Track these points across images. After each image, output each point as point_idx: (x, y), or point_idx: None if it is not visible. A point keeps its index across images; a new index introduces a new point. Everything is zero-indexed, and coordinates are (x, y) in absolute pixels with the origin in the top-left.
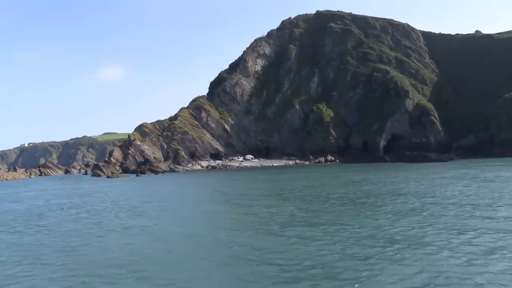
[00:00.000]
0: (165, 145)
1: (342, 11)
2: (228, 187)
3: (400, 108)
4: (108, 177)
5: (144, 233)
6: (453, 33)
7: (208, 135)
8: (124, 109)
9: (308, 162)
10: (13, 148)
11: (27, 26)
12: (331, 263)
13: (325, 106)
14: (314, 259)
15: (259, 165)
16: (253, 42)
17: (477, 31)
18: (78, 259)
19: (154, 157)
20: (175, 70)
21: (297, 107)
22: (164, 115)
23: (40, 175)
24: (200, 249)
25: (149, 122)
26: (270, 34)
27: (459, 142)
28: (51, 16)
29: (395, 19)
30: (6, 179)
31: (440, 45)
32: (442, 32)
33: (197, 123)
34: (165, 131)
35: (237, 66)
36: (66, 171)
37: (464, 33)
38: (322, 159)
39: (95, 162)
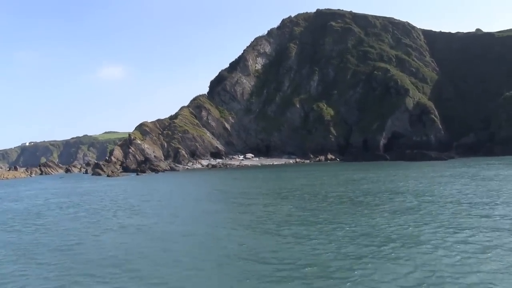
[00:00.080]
0: (165, 144)
1: (342, 10)
2: (227, 186)
3: (401, 107)
4: (108, 176)
5: (141, 232)
6: (453, 31)
7: (208, 134)
8: (125, 108)
9: (308, 161)
10: (14, 147)
11: (28, 26)
12: (325, 262)
13: (325, 105)
14: (308, 258)
15: (259, 164)
16: (253, 41)
17: (477, 29)
18: (74, 258)
19: (154, 156)
20: (175, 69)
21: (298, 105)
22: (164, 114)
23: (41, 174)
24: (195, 248)
25: (149, 121)
26: (270, 32)
27: (460, 141)
28: (52, 16)
29: (395, 17)
30: (7, 178)
31: (440, 43)
32: (442, 31)
33: (197, 122)
34: (165, 130)
35: (237, 65)
36: (67, 170)
37: (465, 31)
38: (322, 157)
39: (96, 161)
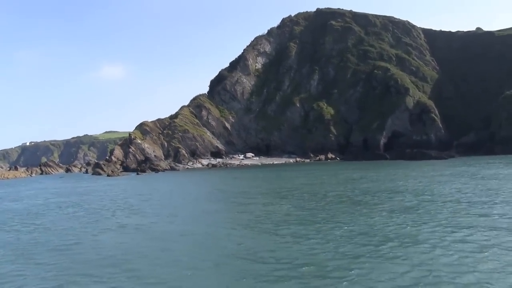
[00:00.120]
0: (165, 144)
1: (342, 9)
2: (227, 185)
3: (401, 106)
4: (108, 175)
5: (140, 231)
6: (454, 30)
7: (208, 133)
8: (125, 107)
9: (308, 160)
10: (15, 147)
11: (28, 25)
12: (322, 262)
13: (325, 104)
14: (305, 257)
15: (260, 163)
16: (253, 40)
17: (478, 28)
18: (72, 258)
19: (154, 155)
20: (175, 69)
21: (298, 105)
22: (164, 114)
23: (41, 173)
24: (194, 248)
25: (150, 120)
26: (270, 32)
27: (460, 140)
28: (52, 16)
29: (395, 16)
30: (7, 178)
31: (441, 42)
32: (442, 29)
33: (197, 121)
34: (165, 129)
35: (237, 64)
36: (67, 170)
37: (465, 30)
38: (322, 157)
39: (96, 161)
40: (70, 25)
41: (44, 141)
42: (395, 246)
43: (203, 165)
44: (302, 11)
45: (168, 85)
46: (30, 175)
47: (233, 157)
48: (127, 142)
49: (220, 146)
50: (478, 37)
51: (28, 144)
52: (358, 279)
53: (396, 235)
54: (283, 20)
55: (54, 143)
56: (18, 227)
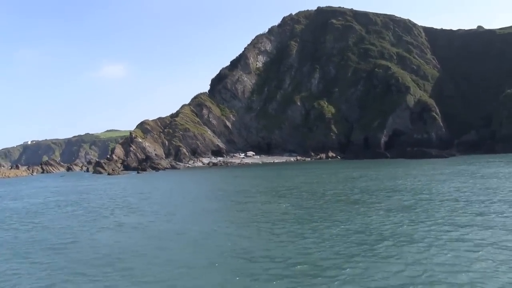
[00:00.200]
0: (166, 142)
1: (343, 7)
2: (227, 184)
3: (401, 104)
4: (109, 174)
5: (137, 230)
6: (455, 28)
7: (209, 132)
8: (126, 106)
9: (309, 159)
10: (16, 146)
11: (28, 24)
12: (316, 261)
13: (326, 103)
14: (299, 256)
15: (260, 162)
16: (254, 39)
17: (479, 27)
18: (67, 257)
19: (155, 154)
20: (176, 68)
21: (298, 103)
22: (165, 112)
23: (42, 172)
24: (189, 247)
25: (151, 119)
26: (271, 30)
27: (461, 138)
28: (53, 15)
29: (396, 15)
30: (8, 177)
31: (441, 40)
32: (443, 28)
33: (198, 120)
34: (166, 128)
35: (238, 62)
36: (68, 169)
37: (466, 28)
38: (323, 155)
39: (97, 160)
40: (70, 24)
41: (46, 139)
42: (390, 245)
43: (203, 164)
44: (302, 9)
45: (169, 84)
46: (31, 174)
47: (234, 155)
48: (128, 140)
49: (221, 145)
50: (479, 35)
51: (29, 143)
52: (351, 278)
53: (391, 234)
54: (284, 18)
55: (55, 142)
56: (16, 225)
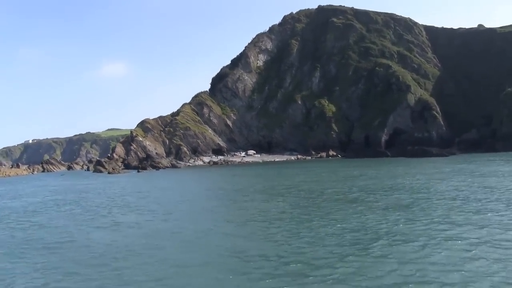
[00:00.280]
0: (167, 141)
1: (343, 6)
2: (227, 183)
3: (402, 103)
4: (109, 173)
5: (133, 229)
6: (455, 27)
7: (210, 130)
8: (127, 105)
9: (310, 157)
10: (18, 145)
11: (29, 24)
12: (310, 260)
13: (327, 101)
14: (293, 255)
15: (261, 161)
16: (255, 38)
17: (479, 25)
18: (62, 256)
19: (156, 153)
20: (176, 67)
21: (299, 102)
22: (166, 111)
23: (43, 171)
24: (184, 246)
25: (151, 118)
26: (272, 29)
27: (461, 137)
28: (53, 15)
29: (397, 13)
30: (9, 176)
31: (442, 39)
32: (444, 26)
33: (199, 118)
34: (167, 127)
35: (239, 61)
36: (69, 167)
37: (467, 27)
38: (324, 154)
39: (98, 158)
40: (71, 24)
41: (47, 138)
42: (385, 244)
43: (204, 163)
44: (303, 8)
45: (169, 83)
46: (32, 173)
47: (234, 154)
48: (128, 139)
49: (222, 144)
50: (480, 34)
51: (30, 141)
52: (343, 277)
53: (387, 233)
54: (285, 17)
55: (56, 141)
56: (13, 224)
